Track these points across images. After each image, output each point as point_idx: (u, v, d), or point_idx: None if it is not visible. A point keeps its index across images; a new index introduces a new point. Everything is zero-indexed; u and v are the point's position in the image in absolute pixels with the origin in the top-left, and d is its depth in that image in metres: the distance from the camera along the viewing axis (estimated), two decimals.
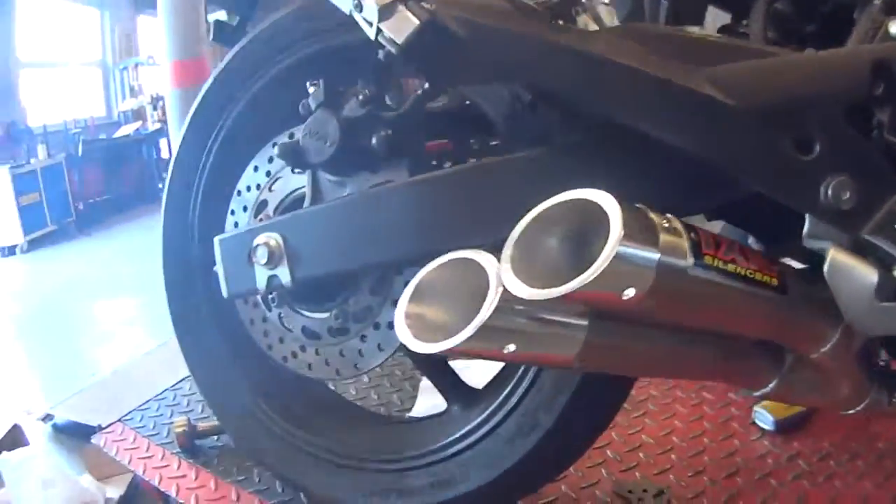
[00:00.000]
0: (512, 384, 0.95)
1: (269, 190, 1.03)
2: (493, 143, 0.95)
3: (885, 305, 0.63)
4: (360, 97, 0.84)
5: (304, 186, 0.98)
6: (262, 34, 1.03)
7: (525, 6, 0.69)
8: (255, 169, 1.04)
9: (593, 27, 0.73)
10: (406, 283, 0.88)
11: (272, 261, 0.90)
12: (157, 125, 8.21)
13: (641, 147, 0.67)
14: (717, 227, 0.84)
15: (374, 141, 0.84)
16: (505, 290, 0.55)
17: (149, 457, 1.44)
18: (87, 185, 6.76)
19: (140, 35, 9.38)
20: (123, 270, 4.13)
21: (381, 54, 0.64)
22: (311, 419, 1.16)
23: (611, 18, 0.76)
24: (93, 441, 1.54)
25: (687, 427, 1.35)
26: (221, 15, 1.19)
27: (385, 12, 0.61)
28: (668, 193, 0.70)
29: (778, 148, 0.65)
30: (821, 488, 1.12)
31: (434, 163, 0.90)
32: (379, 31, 0.62)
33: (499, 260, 0.57)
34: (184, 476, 1.35)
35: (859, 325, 0.67)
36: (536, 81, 0.68)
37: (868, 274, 0.63)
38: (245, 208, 1.05)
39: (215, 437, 1.45)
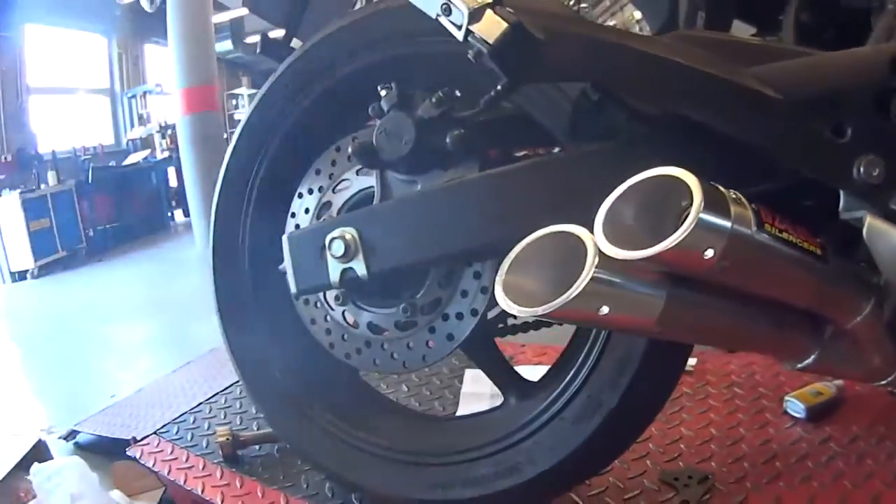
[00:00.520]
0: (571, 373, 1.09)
1: (333, 192, 1.16)
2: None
3: None
4: (434, 99, 0.98)
5: (367, 188, 1.13)
6: None
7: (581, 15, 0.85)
8: (318, 172, 1.17)
9: None
10: (475, 275, 1.04)
11: (348, 254, 1.03)
12: (166, 153, 8.60)
13: (699, 137, 0.83)
14: None
15: (447, 139, 0.98)
16: (601, 256, 0.70)
17: (189, 467, 1.55)
18: (97, 212, 7.00)
19: (147, 63, 9.78)
20: (136, 295, 4.25)
21: (470, 54, 0.78)
22: (367, 419, 1.28)
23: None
24: (128, 453, 1.66)
25: (723, 419, 1.50)
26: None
27: (475, 16, 0.76)
28: (720, 178, 0.86)
29: (817, 133, 0.82)
30: (855, 467, 1.27)
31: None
32: (469, 32, 0.77)
33: (591, 232, 0.72)
34: (228, 484, 1.47)
35: None
36: (606, 80, 0.84)
37: None
38: (307, 210, 1.18)
39: (257, 447, 1.57)
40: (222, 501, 1.42)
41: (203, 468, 1.54)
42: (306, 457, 1.33)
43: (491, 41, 0.74)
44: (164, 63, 6.92)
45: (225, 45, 9.60)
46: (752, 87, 0.80)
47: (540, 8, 0.80)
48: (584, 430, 1.07)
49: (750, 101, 0.81)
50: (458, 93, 0.99)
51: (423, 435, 1.27)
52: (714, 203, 0.69)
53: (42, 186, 6.59)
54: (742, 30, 1.08)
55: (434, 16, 0.79)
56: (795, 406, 1.46)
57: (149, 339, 3.19)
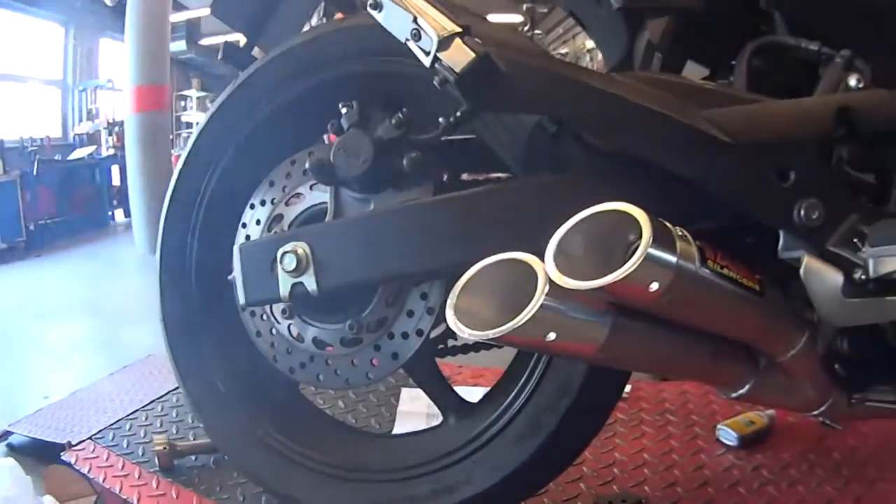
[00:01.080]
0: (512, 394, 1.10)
1: (285, 205, 1.15)
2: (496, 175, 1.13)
3: (850, 301, 0.85)
4: (394, 120, 0.99)
5: (320, 203, 1.12)
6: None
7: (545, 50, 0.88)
8: (272, 184, 1.16)
9: None
10: (422, 295, 1.05)
11: (299, 269, 1.02)
12: (111, 151, 8.37)
13: (648, 174, 0.86)
14: None
15: (404, 161, 0.99)
16: (551, 284, 0.71)
17: (125, 475, 1.52)
18: (40, 206, 6.74)
19: (101, 57, 9.55)
20: (73, 294, 4.13)
21: (435, 80, 0.79)
22: (307, 434, 1.27)
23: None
24: (63, 457, 1.61)
25: (656, 445, 1.53)
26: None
27: (444, 44, 0.77)
28: (666, 214, 0.88)
29: (762, 177, 0.86)
30: (787, 493, 1.32)
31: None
32: (437, 59, 0.78)
33: (542, 261, 0.73)
34: (164, 494, 1.44)
35: (830, 319, 0.88)
36: (564, 114, 0.86)
37: (835, 277, 0.85)
38: (258, 221, 1.17)
39: (194, 457, 1.54)
40: None
41: (139, 477, 1.50)
42: (245, 469, 1.31)
43: (458, 70, 0.76)
44: (117, 58, 6.78)
45: (179, 46, 9.43)
46: (704, 130, 0.84)
47: (506, 40, 0.82)
48: (523, 451, 1.08)
49: (700, 143, 0.84)
50: (439, 118, 1.00)
51: (362, 451, 1.26)
52: (661, 239, 0.71)
53: None
54: (696, 71, 1.11)
55: (403, 40, 0.80)
56: (728, 434, 1.50)
57: (85, 339, 3.10)
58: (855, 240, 0.87)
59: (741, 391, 0.99)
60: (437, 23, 0.77)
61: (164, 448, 1.50)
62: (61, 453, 1.63)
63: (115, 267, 5.28)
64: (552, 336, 0.74)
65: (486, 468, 1.09)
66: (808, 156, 0.87)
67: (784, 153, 0.86)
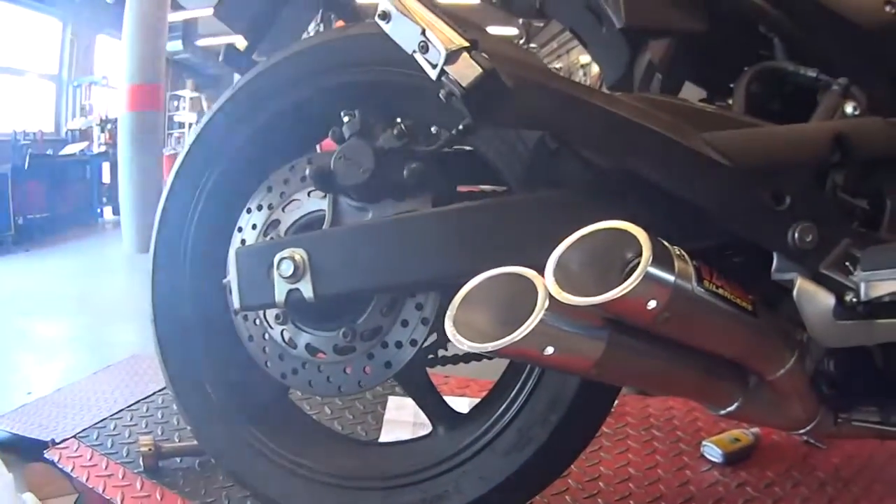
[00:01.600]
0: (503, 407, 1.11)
1: (282, 210, 1.15)
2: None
3: (841, 323, 0.87)
4: (396, 131, 0.99)
5: (317, 210, 1.12)
6: None
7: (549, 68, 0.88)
8: (269, 189, 1.16)
9: None
10: (417, 306, 1.05)
11: (295, 275, 1.03)
12: (103, 148, 8.33)
13: (647, 193, 0.87)
14: None
15: (405, 172, 0.99)
16: (550, 299, 0.71)
17: (108, 475, 1.51)
18: (30, 200, 6.72)
19: (97, 54, 9.53)
20: (60, 290, 4.10)
21: (441, 93, 0.80)
22: (295, 439, 1.26)
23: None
24: (46, 455, 1.60)
25: (641, 460, 1.54)
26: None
27: (451, 58, 0.78)
28: (663, 233, 0.89)
29: (758, 200, 0.87)
30: None
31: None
32: (443, 72, 0.78)
33: (542, 275, 0.74)
34: (148, 496, 1.43)
35: (821, 340, 0.90)
36: (567, 131, 0.87)
37: (827, 299, 0.87)
38: (255, 226, 1.17)
39: (178, 460, 1.53)
40: None
41: (123, 477, 1.49)
42: (231, 473, 1.30)
43: (464, 84, 0.76)
44: (113, 56, 6.74)
45: (175, 45, 9.41)
46: (703, 152, 0.85)
47: (513, 56, 0.83)
48: (512, 463, 1.08)
49: (699, 165, 0.86)
50: (433, 128, 1.00)
51: (351, 459, 1.26)
52: (660, 258, 0.72)
53: None
54: (694, 92, 1.13)
55: (410, 52, 0.80)
56: (713, 451, 1.51)
57: (70, 337, 3.08)
58: (847, 263, 0.89)
59: (730, 408, 0.99)
60: (445, 36, 0.78)
61: (150, 449, 1.49)
62: (44, 451, 1.62)
63: (102, 265, 5.24)
64: (550, 350, 0.74)
65: (475, 479, 1.10)
66: (803, 180, 0.89)
67: (780, 177, 0.88)
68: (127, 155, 5.05)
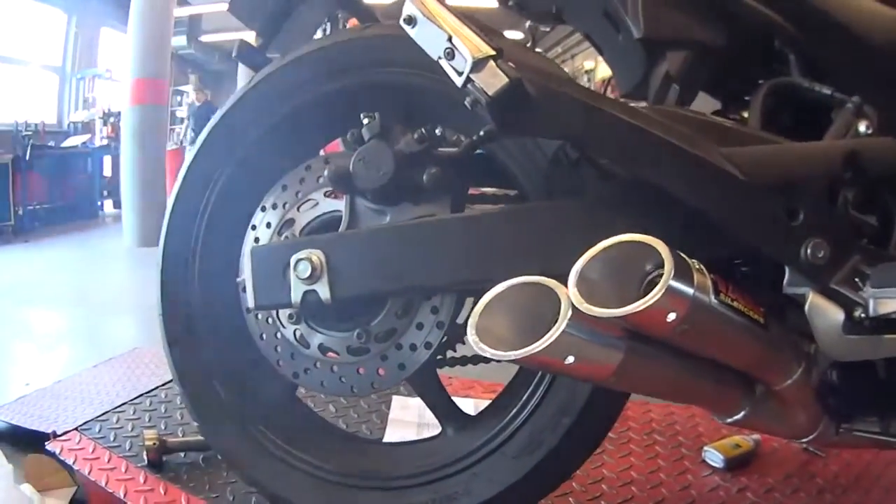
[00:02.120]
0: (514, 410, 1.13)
1: (297, 210, 1.16)
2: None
3: (850, 338, 0.90)
4: (416, 135, 1.00)
5: (333, 211, 1.13)
6: None
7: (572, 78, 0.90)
8: (284, 188, 1.17)
9: None
10: (432, 309, 1.06)
11: (313, 276, 1.04)
12: (105, 141, 8.36)
13: (664, 204, 0.88)
14: None
15: (424, 176, 1.00)
16: (574, 309, 0.73)
17: (111, 468, 1.51)
18: (30, 191, 6.77)
19: (101, 46, 9.56)
20: (60, 282, 4.12)
21: (466, 101, 0.81)
22: (304, 438, 1.27)
23: None
24: (48, 447, 1.60)
25: (644, 464, 1.56)
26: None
27: (478, 66, 0.79)
28: (678, 244, 0.91)
29: (772, 214, 0.89)
30: None
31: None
32: (469, 80, 0.80)
33: (564, 285, 0.75)
34: (151, 490, 1.44)
35: (829, 353, 0.93)
36: (588, 142, 0.88)
37: (837, 314, 0.90)
38: (269, 225, 1.18)
39: (182, 454, 1.54)
40: None
41: (126, 471, 1.50)
42: (238, 469, 1.31)
43: (490, 92, 0.77)
44: (117, 49, 6.73)
45: (179, 41, 9.40)
46: (721, 167, 0.87)
47: (537, 66, 0.84)
48: (522, 465, 1.10)
49: (718, 179, 0.88)
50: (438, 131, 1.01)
51: (360, 458, 1.27)
52: (681, 271, 0.74)
53: None
54: (708, 102, 1.14)
55: (436, 58, 0.81)
56: (714, 456, 1.53)
57: (69, 329, 3.08)
58: (857, 280, 0.91)
59: (737, 416, 1.02)
60: (472, 44, 0.79)
61: (154, 443, 1.50)
62: (45, 443, 1.62)
63: (102, 258, 5.24)
64: (570, 359, 0.76)
65: (485, 480, 1.12)
66: (816, 197, 0.92)
67: (795, 193, 0.90)
68: (130, 149, 5.06)
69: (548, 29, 1.56)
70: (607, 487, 1.45)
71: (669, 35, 1.05)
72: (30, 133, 7.61)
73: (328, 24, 1.48)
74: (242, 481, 1.34)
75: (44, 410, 1.87)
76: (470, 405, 1.72)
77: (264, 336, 1.19)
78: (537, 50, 1.64)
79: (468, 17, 0.83)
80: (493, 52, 0.79)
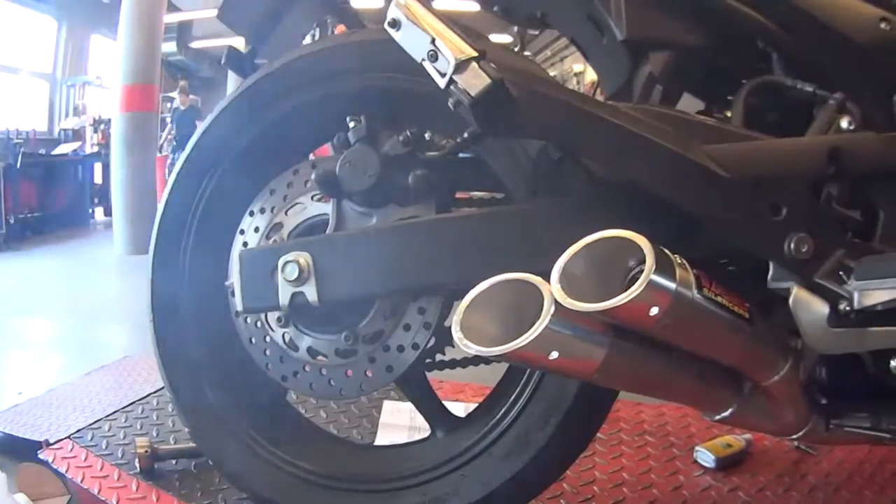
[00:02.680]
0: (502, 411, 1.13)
1: (285, 213, 1.16)
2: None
3: (835, 331, 0.90)
4: (402, 137, 1.01)
5: (320, 214, 1.14)
6: None
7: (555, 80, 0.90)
8: (272, 192, 1.18)
9: None
10: (419, 310, 1.07)
11: (300, 279, 1.04)
12: (95, 148, 8.33)
13: (647, 203, 0.89)
14: None
15: (410, 178, 1.01)
16: (556, 305, 0.73)
17: (104, 476, 1.51)
18: (21, 200, 6.72)
19: (92, 53, 9.58)
20: (51, 291, 4.11)
21: (449, 102, 0.82)
22: (294, 442, 1.27)
23: None
24: (40, 456, 1.60)
25: (635, 465, 1.56)
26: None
27: (460, 67, 0.80)
28: (663, 241, 0.92)
29: (756, 211, 0.89)
30: None
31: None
32: (452, 81, 0.80)
33: (547, 282, 0.76)
34: (144, 497, 1.44)
35: (815, 346, 0.93)
36: (571, 142, 0.89)
37: (822, 307, 0.90)
38: (257, 229, 1.18)
39: (174, 461, 1.54)
40: None
41: (118, 479, 1.50)
42: (229, 475, 1.31)
43: (473, 94, 0.78)
44: (107, 56, 6.74)
45: (169, 47, 9.42)
46: (704, 164, 0.88)
47: (520, 67, 0.85)
48: (511, 466, 1.10)
49: (700, 176, 0.88)
50: (427, 135, 1.02)
51: (350, 461, 1.28)
52: (662, 266, 0.74)
53: None
54: (692, 103, 1.15)
55: (419, 60, 0.82)
56: (706, 456, 1.54)
57: (60, 337, 3.07)
58: (841, 273, 0.91)
59: (724, 414, 1.02)
60: (454, 46, 0.80)
61: (146, 451, 1.50)
62: (38, 451, 1.62)
63: (94, 265, 5.23)
64: (554, 355, 0.76)
65: (474, 482, 1.12)
66: (799, 192, 0.92)
67: (777, 189, 0.91)
68: (120, 156, 5.05)
69: (536, 33, 1.57)
70: (598, 489, 1.46)
71: (652, 36, 1.07)
72: (21, 141, 7.54)
73: (317, 30, 1.49)
74: (230, 483, 1.34)
75: (36, 419, 1.87)
76: (460, 408, 1.73)
77: (253, 340, 1.19)
78: (526, 53, 1.65)
79: (452, 20, 0.84)
80: (475, 54, 0.80)
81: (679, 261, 0.78)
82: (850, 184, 0.96)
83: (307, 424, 1.40)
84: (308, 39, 1.42)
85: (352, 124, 1.05)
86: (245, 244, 1.19)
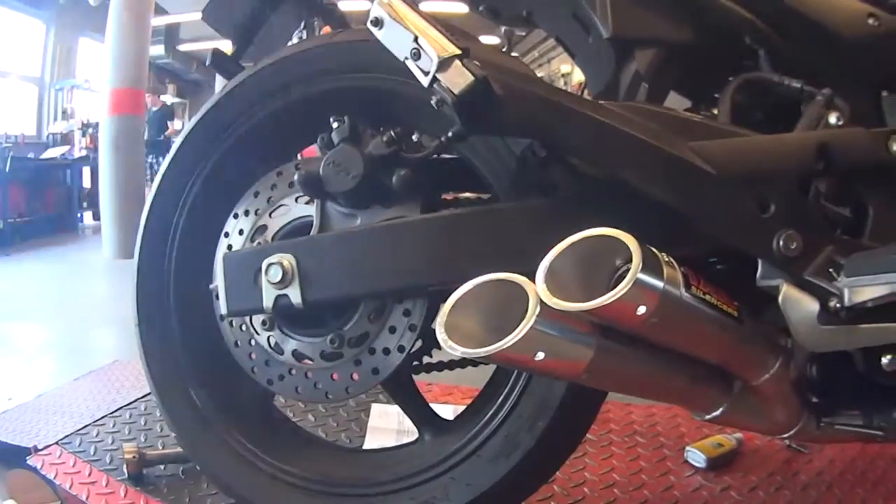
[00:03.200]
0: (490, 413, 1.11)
1: (269, 216, 1.15)
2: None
3: (825, 328, 0.89)
4: (386, 137, 0.99)
5: (305, 216, 1.12)
6: None
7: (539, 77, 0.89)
8: (256, 194, 1.16)
9: None
10: (404, 312, 1.05)
11: (284, 281, 1.03)
12: (84, 152, 8.25)
13: (634, 201, 0.88)
14: None
15: (394, 178, 0.99)
16: (542, 305, 0.72)
17: (92, 482, 1.49)
18: (10, 204, 6.64)
19: (80, 57, 9.55)
20: (40, 295, 4.08)
21: (433, 100, 0.80)
22: (281, 447, 1.26)
23: None
24: (29, 462, 1.58)
25: (626, 466, 1.55)
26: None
27: (443, 65, 0.78)
28: (650, 240, 0.90)
29: (743, 208, 0.88)
30: None
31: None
32: (435, 79, 0.79)
33: (532, 282, 0.74)
34: (132, 503, 1.42)
35: (805, 344, 0.91)
36: (555, 140, 0.87)
37: (811, 305, 0.89)
38: (241, 231, 1.16)
39: (162, 467, 1.52)
40: None
41: (107, 484, 1.48)
42: (216, 480, 1.29)
43: (456, 91, 0.77)
44: (96, 59, 6.70)
45: (157, 50, 9.39)
46: (690, 161, 0.86)
47: (504, 65, 0.84)
48: (499, 469, 1.08)
49: (686, 174, 0.87)
50: (416, 136, 1.01)
51: (338, 465, 1.26)
52: (650, 264, 0.72)
53: None
54: (679, 101, 1.14)
55: (402, 58, 0.81)
56: (696, 456, 1.52)
57: (49, 341, 3.05)
58: (830, 270, 0.90)
59: (715, 413, 1.00)
60: (437, 44, 0.79)
61: (134, 456, 1.48)
62: (27, 457, 1.60)
63: (83, 270, 5.18)
64: (541, 355, 0.75)
65: (463, 485, 1.10)
66: (788, 189, 0.91)
67: (765, 186, 0.89)
68: (108, 160, 5.01)
69: (523, 33, 1.56)
70: (589, 490, 1.44)
71: (638, 34, 1.05)
72: (9, 145, 7.51)
73: (304, 31, 1.48)
74: (217, 488, 1.33)
75: (25, 425, 1.85)
76: (449, 411, 1.71)
77: (239, 343, 1.18)
78: (514, 54, 1.64)
79: (435, 19, 0.83)
80: (458, 52, 0.79)
81: (666, 259, 0.76)
82: (839, 180, 0.95)
83: (295, 429, 1.38)
84: (295, 40, 1.41)
85: (335, 125, 1.03)
86: (230, 247, 1.18)
